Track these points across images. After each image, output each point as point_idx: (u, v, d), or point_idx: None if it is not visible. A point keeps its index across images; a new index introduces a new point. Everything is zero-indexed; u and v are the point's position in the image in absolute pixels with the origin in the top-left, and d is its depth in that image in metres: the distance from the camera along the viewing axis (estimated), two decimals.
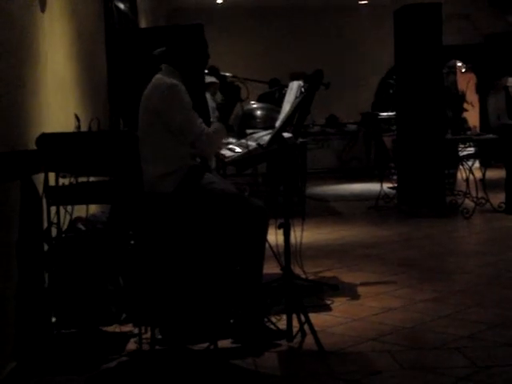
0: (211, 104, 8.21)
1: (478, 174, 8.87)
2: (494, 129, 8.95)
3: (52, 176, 4.02)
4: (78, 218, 4.30)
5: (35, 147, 3.96)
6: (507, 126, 8.65)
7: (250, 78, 4.54)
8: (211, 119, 6.26)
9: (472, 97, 15.79)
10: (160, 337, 4.00)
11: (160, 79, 3.96)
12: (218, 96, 8.86)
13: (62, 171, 4.07)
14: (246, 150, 4.12)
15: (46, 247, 4.09)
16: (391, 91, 13.13)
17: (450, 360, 3.61)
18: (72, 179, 4.17)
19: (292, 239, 4.11)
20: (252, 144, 4.20)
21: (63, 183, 4.10)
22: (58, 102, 4.76)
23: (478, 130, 14.10)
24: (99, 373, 3.64)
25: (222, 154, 4.36)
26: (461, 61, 16.82)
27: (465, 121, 12.60)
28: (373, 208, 9.47)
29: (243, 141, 4.33)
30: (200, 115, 3.99)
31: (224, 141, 4.42)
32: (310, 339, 3.90)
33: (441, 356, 3.67)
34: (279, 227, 4.04)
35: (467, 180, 8.74)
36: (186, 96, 3.89)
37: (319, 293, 5.03)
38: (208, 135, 3.90)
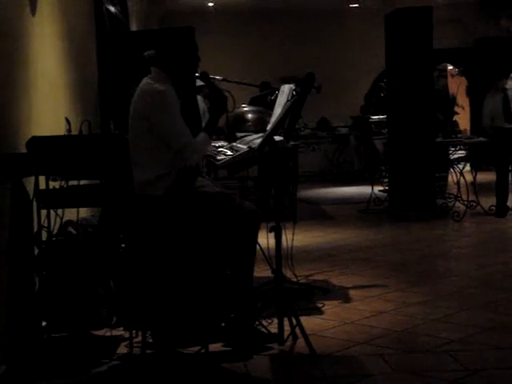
0: (203, 106, 8.22)
1: (469, 177, 8.89)
2: (486, 130, 8.96)
3: (42, 179, 4.01)
4: (69, 222, 4.29)
5: (25, 150, 3.95)
6: (501, 128, 8.65)
7: (240, 81, 4.54)
8: (203, 122, 6.27)
9: (462, 100, 15.85)
10: (151, 340, 3.99)
11: (149, 84, 3.93)
12: None
13: (53, 174, 4.06)
14: (237, 153, 4.12)
15: (36, 251, 4.07)
16: (382, 94, 13.15)
17: (441, 363, 3.61)
18: (62, 182, 4.16)
19: (283, 242, 4.11)
20: (243, 147, 4.20)
21: (54, 186, 4.09)
22: (49, 105, 4.75)
23: (468, 133, 14.19)
24: (90, 377, 3.63)
25: (213, 157, 4.35)
26: (452, 64, 16.88)
27: (456, 124, 12.65)
28: (364, 211, 9.48)
29: (234, 144, 4.32)
30: (190, 119, 3.97)
31: (215, 144, 4.42)
32: (301, 343, 3.90)
33: (432, 359, 3.68)
34: (270, 230, 4.04)
35: (458, 183, 8.76)
36: (173, 103, 3.87)
37: (310, 296, 5.03)
38: (192, 146, 3.87)
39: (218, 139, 4.81)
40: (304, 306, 4.69)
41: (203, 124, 5.36)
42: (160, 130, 3.84)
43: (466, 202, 8.74)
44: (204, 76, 4.18)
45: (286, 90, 4.43)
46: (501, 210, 8.57)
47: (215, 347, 3.92)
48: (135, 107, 3.95)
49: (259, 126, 5.07)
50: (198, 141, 3.94)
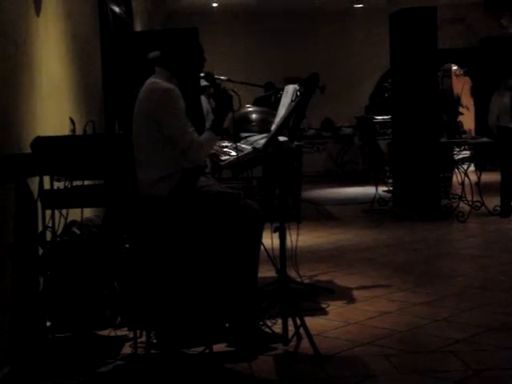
0: (207, 107, 8.23)
1: (474, 178, 8.88)
2: (491, 128, 8.91)
3: (47, 179, 4.01)
4: (73, 222, 4.29)
5: (30, 151, 3.96)
6: (506, 128, 8.60)
7: (245, 81, 4.54)
8: (206, 122, 6.28)
9: (467, 100, 15.81)
10: (155, 341, 3.99)
11: (155, 83, 3.94)
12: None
13: (57, 175, 4.06)
14: (241, 154, 4.12)
15: (40, 251, 4.08)
16: (387, 95, 13.14)
17: (446, 363, 3.61)
18: (67, 183, 4.16)
19: (287, 243, 4.11)
20: (247, 147, 4.20)
21: (58, 187, 4.09)
22: (53, 105, 4.75)
23: (473, 133, 14.16)
24: (94, 377, 3.63)
25: (218, 158, 4.35)
26: (456, 64, 16.86)
27: (460, 124, 12.60)
28: (368, 211, 9.47)
29: (239, 144, 4.32)
30: (194, 119, 3.98)
31: (219, 144, 4.42)
32: (305, 343, 3.90)
33: (436, 359, 3.67)
34: (275, 231, 4.04)
35: (462, 183, 8.75)
36: (179, 101, 3.88)
37: (314, 296, 5.03)
38: (198, 144, 3.87)
39: (223, 139, 4.81)
40: (308, 307, 4.69)
41: (207, 125, 5.37)
42: (165, 129, 3.85)
43: (470, 203, 8.73)
44: (208, 76, 4.18)
45: (290, 91, 4.43)
46: (505, 210, 8.56)
47: (219, 347, 3.92)
48: (140, 106, 3.95)
49: (263, 126, 5.07)
50: (204, 139, 3.95)
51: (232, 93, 4.06)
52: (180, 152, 3.88)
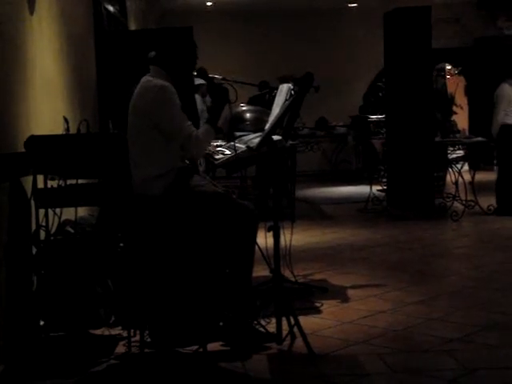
0: (201, 106, 8.22)
1: (467, 177, 8.89)
2: (493, 128, 8.74)
3: (41, 178, 4.00)
4: (67, 221, 4.28)
5: (24, 149, 3.95)
6: (508, 126, 8.51)
7: (239, 80, 4.54)
8: (200, 121, 6.27)
9: (461, 100, 15.85)
10: (149, 340, 3.99)
11: (150, 81, 3.95)
12: (208, 98, 8.87)
13: (51, 173, 4.05)
14: (235, 153, 4.12)
15: (34, 250, 4.07)
16: (381, 94, 13.14)
17: (440, 362, 3.61)
18: (61, 181, 4.15)
19: (281, 242, 4.11)
20: (242, 147, 4.20)
21: (52, 185, 4.08)
22: (47, 104, 4.74)
23: (466, 132, 14.19)
24: (88, 376, 3.63)
25: (212, 157, 4.35)
26: (450, 64, 16.88)
27: (454, 123, 12.61)
28: (362, 211, 9.48)
29: (233, 143, 4.32)
30: (189, 117, 3.99)
31: (213, 143, 4.41)
32: (299, 342, 3.90)
33: (430, 358, 3.68)
34: (269, 230, 4.04)
35: (456, 183, 8.76)
36: (175, 98, 3.89)
37: (308, 295, 5.03)
38: (196, 138, 3.89)
39: (217, 138, 4.81)
40: (302, 306, 4.69)
41: (201, 123, 5.37)
42: (163, 125, 3.85)
43: (464, 202, 8.74)
44: (201, 72, 4.19)
45: (284, 90, 4.43)
46: (501, 209, 8.52)
47: (213, 346, 3.92)
48: (135, 104, 3.95)
49: (257, 125, 5.07)
50: (202, 133, 3.95)
51: (227, 85, 4.07)
52: (179, 147, 3.89)
